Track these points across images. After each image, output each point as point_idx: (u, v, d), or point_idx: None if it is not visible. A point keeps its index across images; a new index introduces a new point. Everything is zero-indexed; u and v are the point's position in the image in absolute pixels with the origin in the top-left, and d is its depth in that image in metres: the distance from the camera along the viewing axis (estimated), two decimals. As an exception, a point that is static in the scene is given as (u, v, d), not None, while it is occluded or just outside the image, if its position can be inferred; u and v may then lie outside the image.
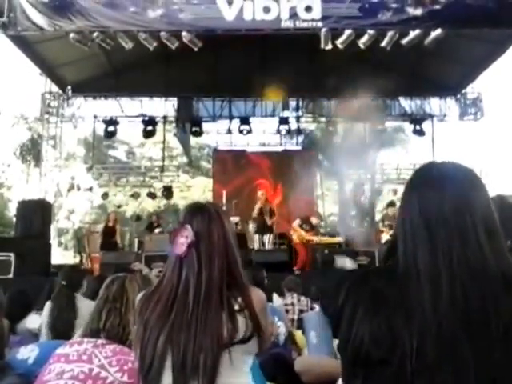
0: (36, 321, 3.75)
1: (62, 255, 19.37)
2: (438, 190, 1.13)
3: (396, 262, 1.14)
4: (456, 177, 1.16)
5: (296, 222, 10.60)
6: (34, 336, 3.61)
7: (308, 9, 9.34)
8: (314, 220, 10.79)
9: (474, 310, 1.02)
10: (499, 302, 1.02)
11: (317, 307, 5.00)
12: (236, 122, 14.66)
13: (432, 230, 1.10)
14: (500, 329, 1.00)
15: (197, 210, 1.69)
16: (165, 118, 14.91)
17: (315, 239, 10.57)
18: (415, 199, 1.16)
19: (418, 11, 9.21)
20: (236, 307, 1.57)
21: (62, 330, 3.27)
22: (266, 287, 4.79)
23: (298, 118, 15.41)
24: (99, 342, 1.95)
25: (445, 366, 0.99)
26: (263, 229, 10.59)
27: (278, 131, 14.94)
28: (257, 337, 1.58)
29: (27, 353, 2.33)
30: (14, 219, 12.69)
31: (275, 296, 5.03)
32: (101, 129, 14.66)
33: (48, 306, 3.60)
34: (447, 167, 1.20)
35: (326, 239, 10.86)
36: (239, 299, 1.59)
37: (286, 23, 9.43)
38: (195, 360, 1.48)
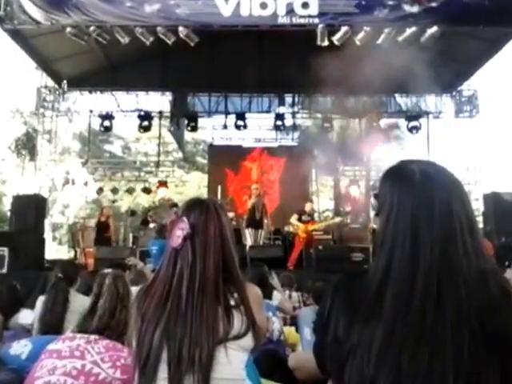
0: (29, 316, 3.71)
1: (56, 250, 19.31)
2: (426, 192, 1.13)
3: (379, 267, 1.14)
4: (439, 178, 1.16)
5: (294, 217, 10.53)
6: (26, 331, 3.58)
7: (305, 5, 9.35)
8: (307, 207, 10.69)
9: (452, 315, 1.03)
10: (473, 299, 1.03)
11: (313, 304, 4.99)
12: (232, 118, 14.62)
13: (418, 235, 1.10)
14: (475, 329, 1.01)
15: (195, 204, 1.70)
16: (160, 113, 14.85)
17: (317, 226, 10.61)
18: (404, 199, 1.14)
19: (415, 8, 9.23)
20: (232, 303, 1.58)
21: (52, 322, 3.24)
22: (269, 284, 4.77)
23: (293, 114, 15.39)
24: (92, 337, 1.95)
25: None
26: (254, 223, 10.54)
27: (275, 127, 14.91)
28: (252, 333, 1.58)
29: (20, 348, 2.32)
30: (9, 214, 12.63)
31: (275, 293, 5.00)
32: (96, 123, 14.59)
33: (41, 299, 3.58)
34: (428, 167, 1.19)
35: (327, 222, 11.41)
36: (235, 295, 1.60)
37: (283, 19, 9.44)
38: (191, 355, 1.48)
